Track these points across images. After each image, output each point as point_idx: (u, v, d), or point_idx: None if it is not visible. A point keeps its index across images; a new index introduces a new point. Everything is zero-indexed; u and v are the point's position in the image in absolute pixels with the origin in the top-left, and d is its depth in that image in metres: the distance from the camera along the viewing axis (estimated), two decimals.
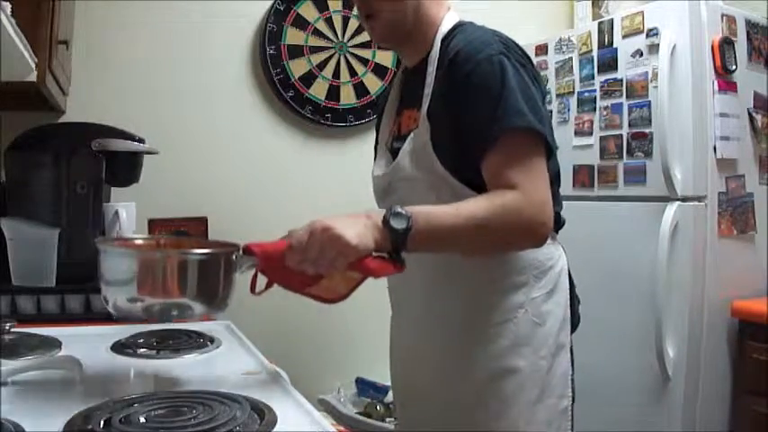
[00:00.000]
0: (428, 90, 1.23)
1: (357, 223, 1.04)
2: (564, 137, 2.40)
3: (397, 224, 1.05)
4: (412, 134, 1.25)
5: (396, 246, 1.06)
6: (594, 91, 2.37)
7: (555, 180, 1.22)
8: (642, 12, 2.22)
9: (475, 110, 1.16)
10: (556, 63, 2.54)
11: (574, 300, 1.32)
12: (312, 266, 1.03)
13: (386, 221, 1.05)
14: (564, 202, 1.31)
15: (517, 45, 1.23)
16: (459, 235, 1.11)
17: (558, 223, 1.29)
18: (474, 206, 1.11)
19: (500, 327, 1.22)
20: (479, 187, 1.17)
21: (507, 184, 1.12)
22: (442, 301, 1.27)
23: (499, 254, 1.23)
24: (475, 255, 1.20)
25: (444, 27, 1.29)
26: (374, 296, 2.73)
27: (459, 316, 1.25)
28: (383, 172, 1.34)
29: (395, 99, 1.40)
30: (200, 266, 1.06)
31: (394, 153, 1.32)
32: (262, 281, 1.09)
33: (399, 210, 1.06)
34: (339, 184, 2.57)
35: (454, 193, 1.18)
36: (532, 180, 1.13)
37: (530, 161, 1.14)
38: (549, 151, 1.18)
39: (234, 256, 1.07)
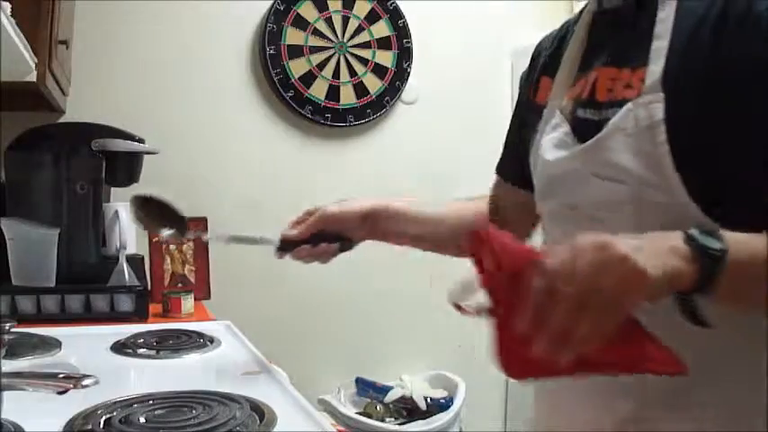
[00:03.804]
0: (662, 42, 0.79)
1: (650, 246, 0.64)
2: None
3: (709, 243, 0.65)
4: (630, 104, 0.79)
5: (703, 283, 0.64)
6: None
7: None
8: None
9: None
10: None
11: None
12: (579, 321, 0.60)
13: (691, 238, 0.65)
14: None
15: None
16: None
17: None
18: None
19: None
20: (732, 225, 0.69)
21: None
22: None
23: None
24: None
25: None
26: (374, 296, 2.73)
27: None
28: (562, 153, 0.87)
29: (577, 48, 0.94)
30: None
31: (580, 125, 0.86)
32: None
33: (710, 230, 0.66)
34: (339, 185, 2.57)
35: (673, 218, 0.73)
36: None
37: None
38: None
39: None
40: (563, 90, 0.93)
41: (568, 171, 0.86)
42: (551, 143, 0.89)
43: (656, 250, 0.64)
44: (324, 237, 1.13)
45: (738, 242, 0.66)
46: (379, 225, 1.16)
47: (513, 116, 1.11)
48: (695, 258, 0.64)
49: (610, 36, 0.89)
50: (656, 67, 0.78)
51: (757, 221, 0.71)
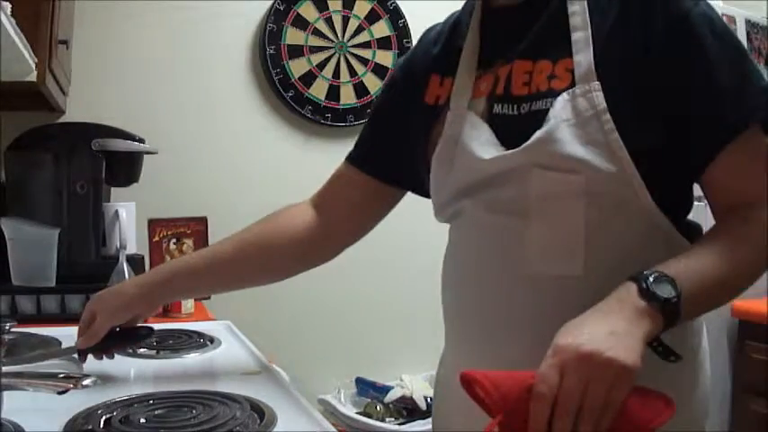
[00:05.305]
0: (583, 33, 0.81)
1: (618, 324, 0.69)
2: None
3: (663, 291, 0.71)
4: (566, 94, 0.79)
5: (668, 325, 0.72)
6: None
7: None
8: None
9: (703, 79, 0.78)
10: None
11: None
12: (579, 422, 0.66)
13: (646, 292, 0.71)
14: None
15: None
16: (723, 292, 0.83)
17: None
18: (742, 249, 0.83)
19: None
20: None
21: (754, 201, 0.84)
22: None
23: None
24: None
25: None
26: (374, 296, 2.73)
27: None
28: (499, 152, 0.84)
29: (476, 44, 0.92)
30: None
31: (497, 121, 0.86)
32: None
33: (656, 272, 0.72)
34: None
35: (632, 208, 0.80)
36: None
37: None
38: None
39: None
40: (467, 88, 0.90)
41: (510, 168, 0.82)
42: (478, 142, 0.86)
43: (626, 325, 0.68)
44: (122, 330, 1.10)
45: (685, 271, 0.73)
46: (169, 296, 1.18)
47: (384, 110, 1.08)
48: (658, 311, 0.71)
49: (509, 31, 0.88)
50: (583, 58, 0.80)
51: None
